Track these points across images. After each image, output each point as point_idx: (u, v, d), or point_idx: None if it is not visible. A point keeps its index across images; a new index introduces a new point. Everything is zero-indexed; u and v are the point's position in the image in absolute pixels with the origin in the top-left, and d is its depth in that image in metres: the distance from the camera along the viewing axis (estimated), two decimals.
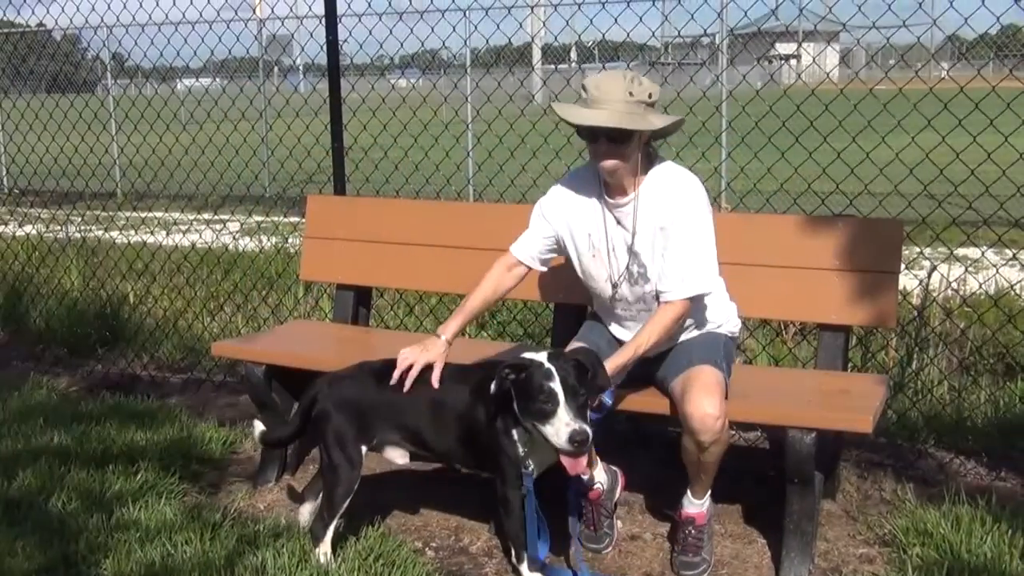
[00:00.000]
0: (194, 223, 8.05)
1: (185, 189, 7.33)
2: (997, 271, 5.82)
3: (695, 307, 3.56)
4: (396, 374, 3.51)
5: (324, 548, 3.54)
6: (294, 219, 8.97)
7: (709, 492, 3.63)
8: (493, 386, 3.29)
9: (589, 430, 3.16)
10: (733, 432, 3.92)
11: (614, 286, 3.62)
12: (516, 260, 3.73)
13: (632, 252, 3.55)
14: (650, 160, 3.54)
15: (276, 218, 9.44)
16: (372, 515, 3.85)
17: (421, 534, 3.94)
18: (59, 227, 8.82)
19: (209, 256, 7.46)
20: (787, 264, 4.00)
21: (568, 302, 4.31)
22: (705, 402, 3.34)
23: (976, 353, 5.14)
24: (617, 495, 3.84)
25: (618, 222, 3.56)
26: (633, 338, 3.50)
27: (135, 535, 3.65)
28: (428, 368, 3.57)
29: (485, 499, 4.01)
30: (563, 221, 3.67)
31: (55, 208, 10.49)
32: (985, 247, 5.58)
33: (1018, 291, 5.38)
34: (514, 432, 3.35)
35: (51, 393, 5.55)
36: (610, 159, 3.40)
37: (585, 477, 3.63)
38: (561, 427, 3.14)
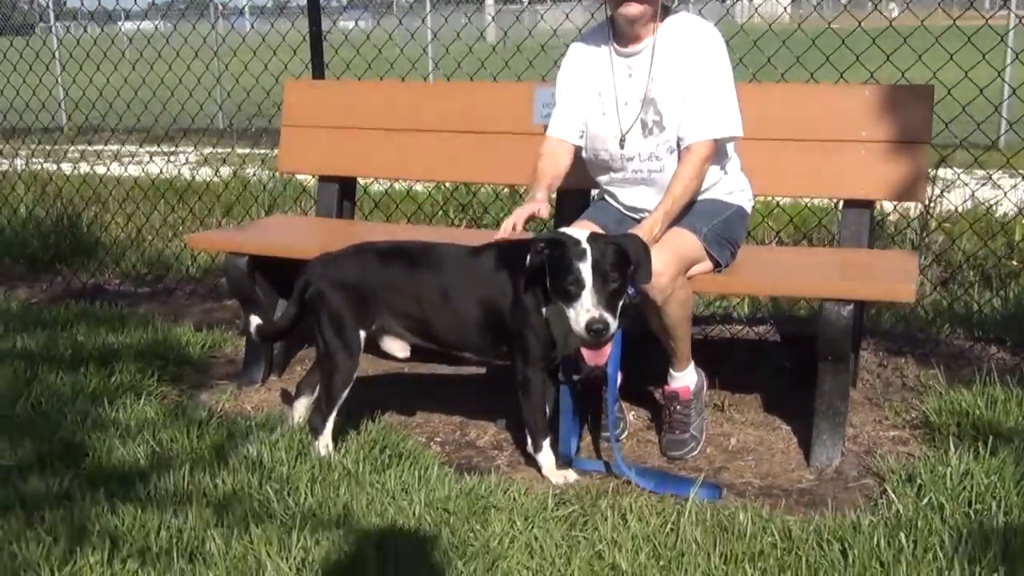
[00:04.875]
0: (146, 155, 7.62)
1: (134, 122, 6.89)
2: (973, 193, 5.67)
3: (713, 164, 3.35)
4: (501, 234, 3.22)
5: (325, 440, 3.28)
6: (253, 151, 8.51)
7: (692, 366, 3.46)
8: (528, 259, 3.03)
9: (611, 321, 2.91)
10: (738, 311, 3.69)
11: (622, 142, 3.39)
12: (557, 139, 3.50)
13: (647, 100, 3.34)
14: (666, 11, 3.40)
15: (232, 149, 8.94)
16: (370, 413, 3.59)
17: (424, 430, 3.69)
18: (5, 160, 8.30)
19: (164, 184, 7.03)
20: (809, 137, 3.75)
21: (571, 188, 4.01)
22: (654, 258, 3.08)
23: (959, 267, 5.00)
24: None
25: (629, 74, 3.39)
26: (664, 195, 3.25)
27: (115, 433, 3.36)
28: (432, 250, 3.33)
29: (490, 396, 3.79)
30: (580, 80, 3.48)
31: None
32: (959, 169, 5.51)
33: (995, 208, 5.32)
34: (544, 309, 3.10)
35: (10, 303, 5.18)
36: (636, 2, 3.22)
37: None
38: (582, 313, 2.90)
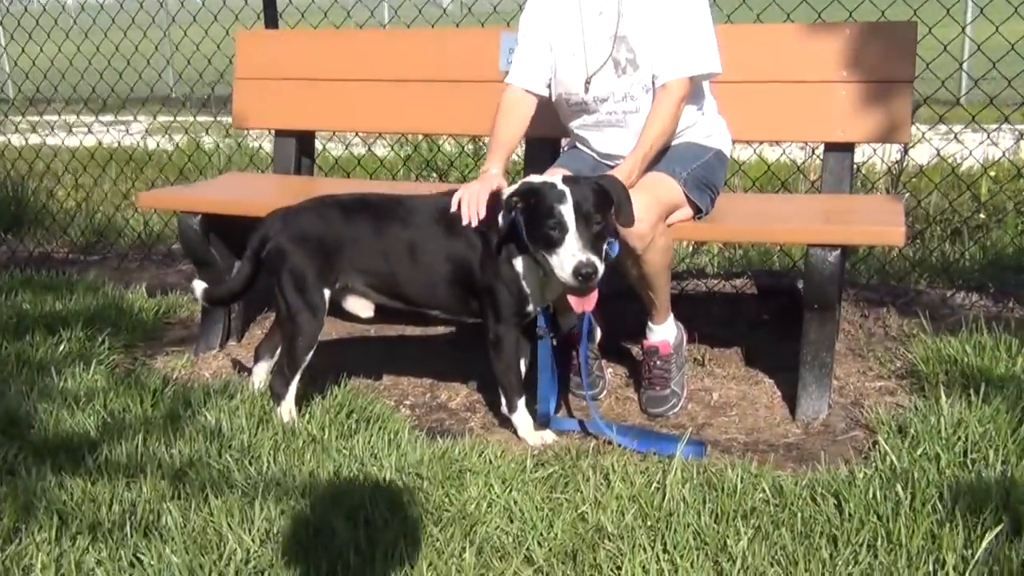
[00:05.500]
0: (92, 123, 7.27)
1: (83, 92, 6.57)
2: (955, 139, 5.53)
3: (689, 104, 3.18)
4: (454, 207, 3.00)
5: (288, 406, 3.10)
6: (199, 117, 8.20)
7: (671, 319, 3.32)
8: (500, 216, 2.86)
9: (599, 264, 2.76)
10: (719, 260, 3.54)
11: (587, 84, 3.20)
12: (521, 89, 3.28)
13: (618, 38, 3.15)
14: None
15: (179, 111, 8.57)
16: (335, 377, 3.41)
17: (393, 393, 3.52)
18: None
19: (111, 150, 6.71)
20: (787, 79, 3.61)
21: (540, 135, 3.82)
22: (634, 203, 2.91)
23: (929, 222, 4.89)
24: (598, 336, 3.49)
25: (600, 12, 3.19)
26: (640, 137, 3.08)
27: (63, 403, 3.15)
28: (398, 203, 3.15)
29: (461, 357, 3.63)
30: (547, 22, 3.28)
31: None
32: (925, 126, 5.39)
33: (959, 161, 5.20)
34: (516, 261, 2.93)
35: None
36: None
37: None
38: (567, 258, 2.73)
